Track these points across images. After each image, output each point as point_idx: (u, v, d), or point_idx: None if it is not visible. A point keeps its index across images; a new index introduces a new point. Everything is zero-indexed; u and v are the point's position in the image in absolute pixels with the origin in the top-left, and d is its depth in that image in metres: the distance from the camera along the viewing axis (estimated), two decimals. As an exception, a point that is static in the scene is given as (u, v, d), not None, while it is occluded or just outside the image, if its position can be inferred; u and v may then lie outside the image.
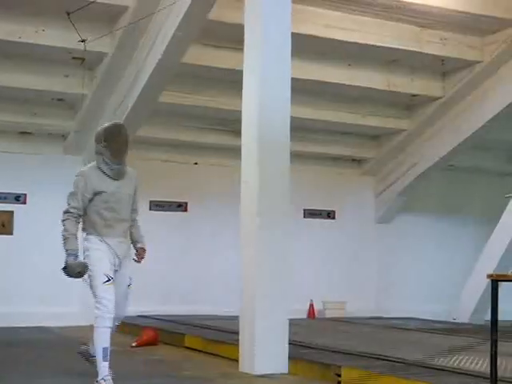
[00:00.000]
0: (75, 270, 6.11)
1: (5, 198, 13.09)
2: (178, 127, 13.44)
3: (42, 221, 12.89)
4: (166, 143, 13.87)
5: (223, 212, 13.82)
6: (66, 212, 6.29)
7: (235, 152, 8.63)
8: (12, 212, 13.06)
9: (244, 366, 7.58)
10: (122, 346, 9.68)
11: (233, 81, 9.64)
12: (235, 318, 8.06)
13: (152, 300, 13.33)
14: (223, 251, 13.70)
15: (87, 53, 10.40)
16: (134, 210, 6.62)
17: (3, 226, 13.02)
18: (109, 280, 6.18)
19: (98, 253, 6.25)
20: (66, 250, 6.16)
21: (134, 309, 13.23)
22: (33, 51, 11.00)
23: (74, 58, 11.13)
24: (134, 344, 9.77)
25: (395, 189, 15.43)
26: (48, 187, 13.00)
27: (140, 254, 6.65)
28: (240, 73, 7.99)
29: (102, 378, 6.09)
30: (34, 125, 12.84)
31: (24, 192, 13.16)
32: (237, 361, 7.73)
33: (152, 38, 10.37)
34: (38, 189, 13.05)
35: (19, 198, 13.18)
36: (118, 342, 9.97)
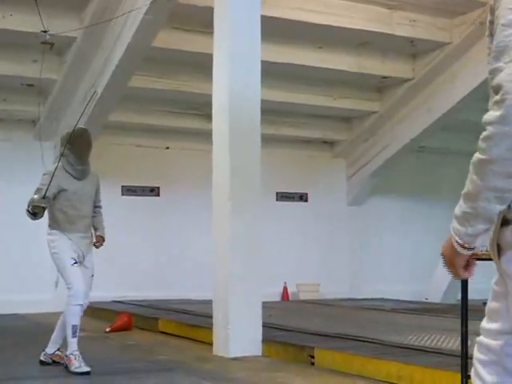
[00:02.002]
0: (39, 203, 6.49)
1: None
2: (149, 112, 13.38)
3: (11, 207, 12.76)
4: (138, 128, 13.80)
5: (196, 196, 13.79)
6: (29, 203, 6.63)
7: (207, 136, 8.60)
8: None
9: (218, 349, 7.61)
10: (95, 332, 9.67)
11: (203, 65, 9.59)
12: (209, 302, 8.07)
13: (126, 285, 13.30)
14: (196, 235, 13.69)
15: (56, 37, 10.28)
16: (97, 206, 7.16)
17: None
18: (76, 262, 6.71)
19: (63, 243, 6.75)
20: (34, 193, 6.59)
21: (108, 294, 13.41)
22: (1, 37, 10.86)
23: (42, 42, 10.98)
24: (107, 329, 9.76)
25: (366, 171, 15.48)
26: (19, 173, 12.89)
27: (98, 240, 7.03)
28: (210, 56, 7.96)
29: (71, 353, 6.55)
30: (4, 111, 12.73)
31: (-6, 178, 13.04)
32: (211, 344, 7.76)
33: (121, 22, 10.27)
34: (9, 175, 12.93)
35: (-11, 184, 13.03)
36: (91, 328, 10.00)
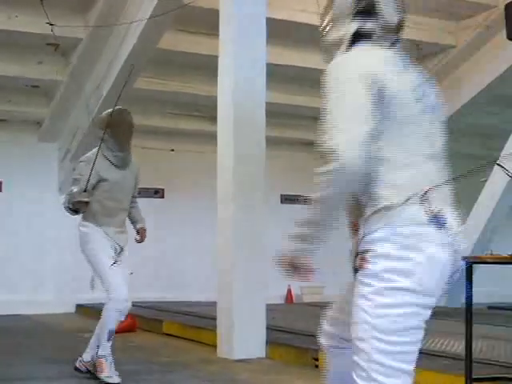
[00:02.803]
0: (81, 198, 5.95)
1: (-21, 186, 12.99)
2: (154, 113, 13.38)
3: (18, 210, 12.83)
4: (143, 130, 13.71)
5: (200, 198, 13.80)
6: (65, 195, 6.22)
7: (212, 138, 8.61)
8: (-13, 200, 12.96)
9: (222, 351, 7.62)
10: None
11: (209, 67, 9.59)
12: (213, 304, 8.08)
13: (129, 287, 13.29)
14: (200, 237, 13.69)
15: (61, 39, 10.29)
16: (135, 197, 6.66)
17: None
18: (115, 262, 6.16)
19: (99, 238, 6.15)
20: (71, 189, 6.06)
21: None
22: (6, 38, 10.89)
23: (48, 44, 11.02)
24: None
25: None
26: (24, 175, 12.95)
27: (142, 233, 6.57)
28: (216, 58, 7.98)
29: (104, 356, 6.09)
30: (9, 112, 12.74)
31: (-1, 180, 13.08)
32: (215, 346, 7.77)
33: (126, 24, 10.29)
34: (14, 177, 12.97)
35: (-5, 186, 13.08)
36: (94, 329, 10.00)
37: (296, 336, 8.24)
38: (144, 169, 13.75)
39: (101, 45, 10.98)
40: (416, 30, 12.01)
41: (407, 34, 2.96)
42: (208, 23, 9.76)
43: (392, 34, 2.77)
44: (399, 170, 2.57)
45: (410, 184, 2.56)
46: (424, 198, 2.53)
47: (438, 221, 2.52)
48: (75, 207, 6.00)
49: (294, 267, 2.69)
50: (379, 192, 2.57)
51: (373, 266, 2.53)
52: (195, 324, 9.47)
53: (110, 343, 6.13)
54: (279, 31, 10.42)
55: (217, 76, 7.99)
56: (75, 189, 5.98)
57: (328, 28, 2.81)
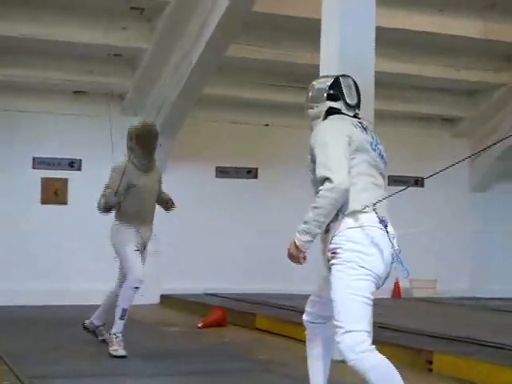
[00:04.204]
0: (112, 203, 7.44)
1: (58, 165, 13.32)
2: (247, 84, 13.40)
3: (99, 189, 13.04)
4: (234, 102, 13.86)
5: (297, 179, 13.76)
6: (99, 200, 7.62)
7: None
8: (66, 180, 13.29)
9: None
10: (187, 327, 9.85)
11: (310, 31, 9.52)
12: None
13: (218, 276, 13.43)
14: (299, 222, 13.68)
15: (146, 2, 10.41)
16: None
17: (56, 194, 13.22)
18: (138, 250, 7.55)
19: (129, 234, 7.58)
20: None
21: (197, 286, 13.59)
22: (87, 2, 11.09)
23: (132, 8, 11.18)
24: (200, 325, 9.88)
25: (493, 153, 15.12)
26: (105, 152, 13.11)
27: (169, 203, 7.89)
28: (318, 22, 7.90)
29: (115, 334, 7.31)
30: (90, 83, 12.96)
31: (79, 158, 13.38)
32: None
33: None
34: (95, 154, 13.17)
35: (74, 165, 13.41)
36: (183, 322, 10.18)
37: (406, 335, 8.15)
38: (234, 146, 14.05)
39: (190, 7, 11.03)
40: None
41: None
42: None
43: (353, 110, 4.61)
44: (361, 192, 4.31)
45: (367, 200, 4.29)
46: (374, 207, 4.28)
47: (384, 224, 4.30)
48: (106, 210, 7.56)
49: (296, 257, 4.45)
50: (348, 204, 4.27)
51: (342, 255, 4.25)
52: (292, 319, 9.47)
53: (122, 321, 7.34)
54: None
55: (318, 42, 7.92)
56: (108, 195, 7.44)
57: (310, 106, 4.67)
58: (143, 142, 7.62)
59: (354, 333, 4.21)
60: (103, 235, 12.66)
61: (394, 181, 15.28)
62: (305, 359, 7.39)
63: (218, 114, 13.95)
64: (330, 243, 4.33)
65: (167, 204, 7.93)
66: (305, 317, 4.89)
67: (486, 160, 15.32)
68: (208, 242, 13.53)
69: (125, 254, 7.52)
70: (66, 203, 13.24)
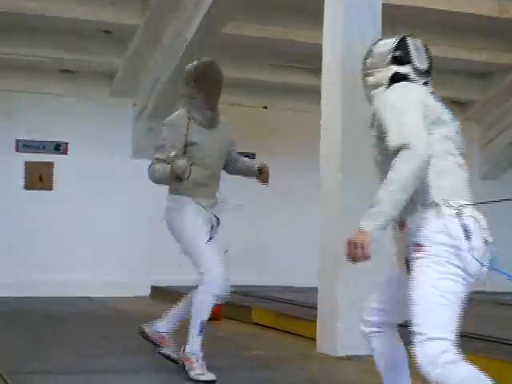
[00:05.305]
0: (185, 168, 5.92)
1: (43, 148, 13.32)
2: (245, 64, 13.40)
3: (86, 174, 13.10)
4: (232, 83, 13.61)
5: (299, 166, 13.83)
6: (149, 166, 6.26)
7: (315, 94, 8.61)
8: (51, 164, 13.31)
9: (323, 345, 7.68)
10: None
11: (313, 8, 9.55)
12: (312, 291, 8.14)
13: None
14: (298, 213, 13.73)
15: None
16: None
17: (41, 180, 13.23)
18: (211, 238, 6.21)
19: (192, 212, 6.18)
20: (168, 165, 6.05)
21: (192, 277, 13.57)
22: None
23: (123, -19, 11.18)
24: (193, 319, 9.93)
25: (505, 138, 15.19)
26: (92, 135, 13.19)
27: (265, 171, 6.62)
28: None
29: (193, 353, 6.15)
30: (77, 62, 12.95)
31: (65, 141, 13.39)
32: (314, 339, 7.82)
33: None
34: (82, 137, 13.24)
35: (59, 148, 13.41)
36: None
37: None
38: (233, 129, 13.99)
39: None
40: None
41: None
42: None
43: (424, 77, 4.19)
44: (442, 174, 3.82)
45: (450, 187, 3.84)
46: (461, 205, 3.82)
47: (474, 219, 3.84)
48: (175, 176, 5.97)
49: (355, 252, 3.89)
50: (429, 192, 3.80)
51: (429, 249, 3.74)
52: (291, 313, 9.56)
53: (200, 337, 6.16)
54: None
55: (322, 19, 7.97)
56: (179, 161, 5.94)
57: (368, 73, 4.23)
58: (207, 87, 6.24)
59: (437, 341, 3.66)
60: (92, 223, 12.93)
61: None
62: (306, 356, 7.53)
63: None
64: (413, 237, 3.80)
65: (261, 171, 6.59)
66: (364, 328, 4.28)
67: (497, 146, 15.37)
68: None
69: (196, 247, 6.16)
70: (51, 189, 13.25)
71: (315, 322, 7.88)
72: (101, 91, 13.41)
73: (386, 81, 4.09)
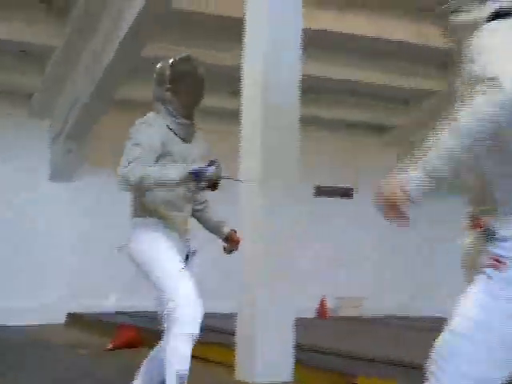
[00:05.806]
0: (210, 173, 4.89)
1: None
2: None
3: (2, 198, 12.87)
4: (148, 104, 13.71)
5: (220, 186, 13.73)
6: (125, 167, 4.81)
7: (233, 117, 8.55)
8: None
9: (241, 373, 7.59)
10: (94, 349, 9.69)
11: (232, 30, 9.52)
12: (231, 316, 8.04)
13: (133, 293, 13.28)
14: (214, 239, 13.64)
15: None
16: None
17: None
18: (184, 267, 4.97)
19: (163, 236, 4.99)
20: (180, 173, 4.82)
21: (108, 303, 13.40)
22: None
23: (40, 1, 11.03)
24: (109, 346, 9.73)
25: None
26: (9, 156, 12.97)
27: (233, 237, 5.51)
28: (241, 20, 7.93)
29: None
30: (-4, 81, 12.76)
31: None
32: (233, 367, 7.72)
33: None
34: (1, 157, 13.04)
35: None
36: (89, 344, 10.01)
37: (330, 357, 8.19)
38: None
39: (103, 2, 10.92)
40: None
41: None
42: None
43: None
44: None
45: None
46: None
47: None
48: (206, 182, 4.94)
49: (391, 206, 2.78)
50: None
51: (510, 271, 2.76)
52: (209, 340, 9.41)
53: None
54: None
55: (241, 41, 7.93)
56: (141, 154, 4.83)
57: (457, 10, 3.14)
58: (183, 89, 5.11)
59: None
60: (13, 250, 12.65)
61: (321, 191, 15.42)
62: (223, 383, 7.39)
63: (134, 118, 13.75)
64: (493, 247, 2.81)
65: (229, 239, 5.51)
66: None
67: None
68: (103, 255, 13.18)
69: (167, 274, 4.86)
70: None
71: (233, 348, 7.78)
72: (18, 111, 13.20)
73: (480, 20, 3.00)
